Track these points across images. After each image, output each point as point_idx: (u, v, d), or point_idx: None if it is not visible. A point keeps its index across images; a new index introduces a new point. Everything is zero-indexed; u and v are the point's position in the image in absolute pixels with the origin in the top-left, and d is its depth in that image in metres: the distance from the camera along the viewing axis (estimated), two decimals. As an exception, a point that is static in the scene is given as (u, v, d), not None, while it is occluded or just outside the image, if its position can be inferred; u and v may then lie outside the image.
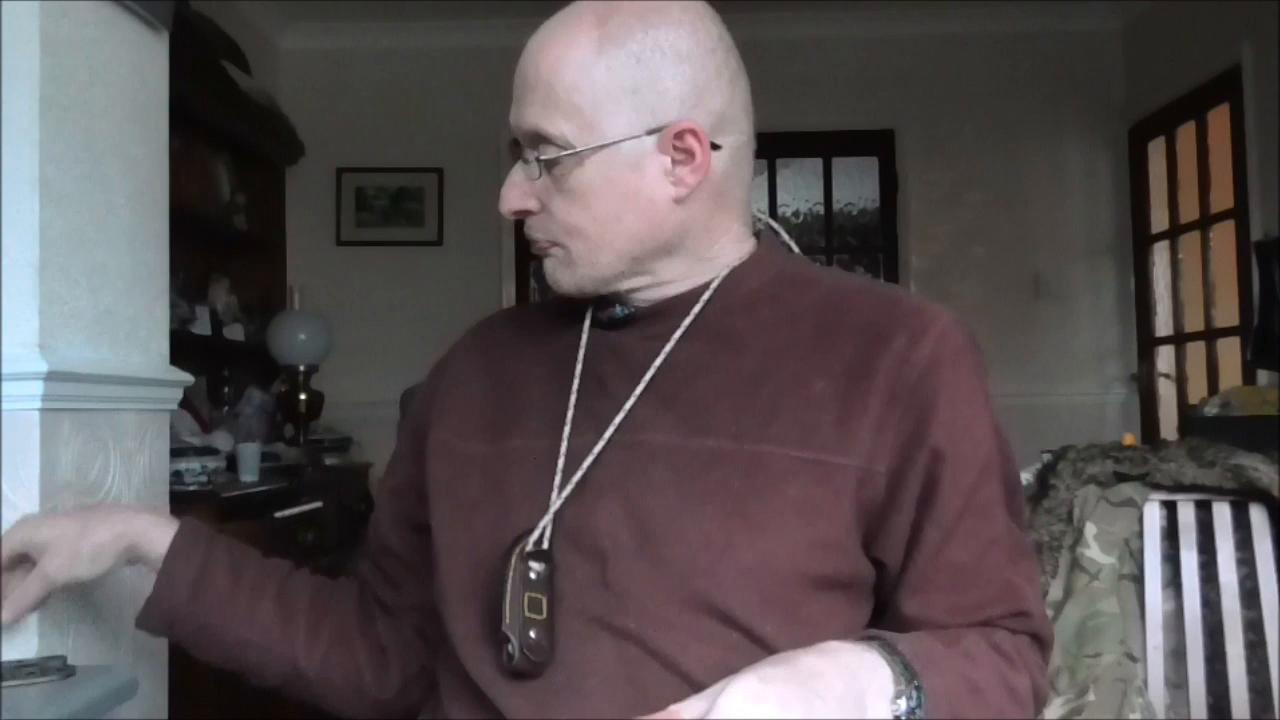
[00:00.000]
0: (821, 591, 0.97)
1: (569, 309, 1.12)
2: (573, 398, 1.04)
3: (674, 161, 0.99)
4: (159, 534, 1.17)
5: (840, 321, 1.01)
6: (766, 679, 0.82)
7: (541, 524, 0.98)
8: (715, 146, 1.00)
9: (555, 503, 0.99)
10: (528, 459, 1.04)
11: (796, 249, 1.14)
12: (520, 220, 1.05)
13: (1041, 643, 1.03)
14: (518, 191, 1.03)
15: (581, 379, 1.06)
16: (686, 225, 1.03)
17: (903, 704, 0.87)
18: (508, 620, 0.94)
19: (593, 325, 1.09)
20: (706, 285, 1.05)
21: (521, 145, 1.02)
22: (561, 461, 1.01)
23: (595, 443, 1.00)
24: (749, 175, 1.07)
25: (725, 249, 1.06)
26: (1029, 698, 0.98)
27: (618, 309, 1.07)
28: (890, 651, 0.90)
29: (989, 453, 1.00)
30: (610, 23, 0.98)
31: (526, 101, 1.00)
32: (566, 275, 1.04)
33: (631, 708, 0.91)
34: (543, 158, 1.00)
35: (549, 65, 0.98)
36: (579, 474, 0.99)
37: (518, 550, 0.97)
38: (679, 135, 0.98)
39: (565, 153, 0.98)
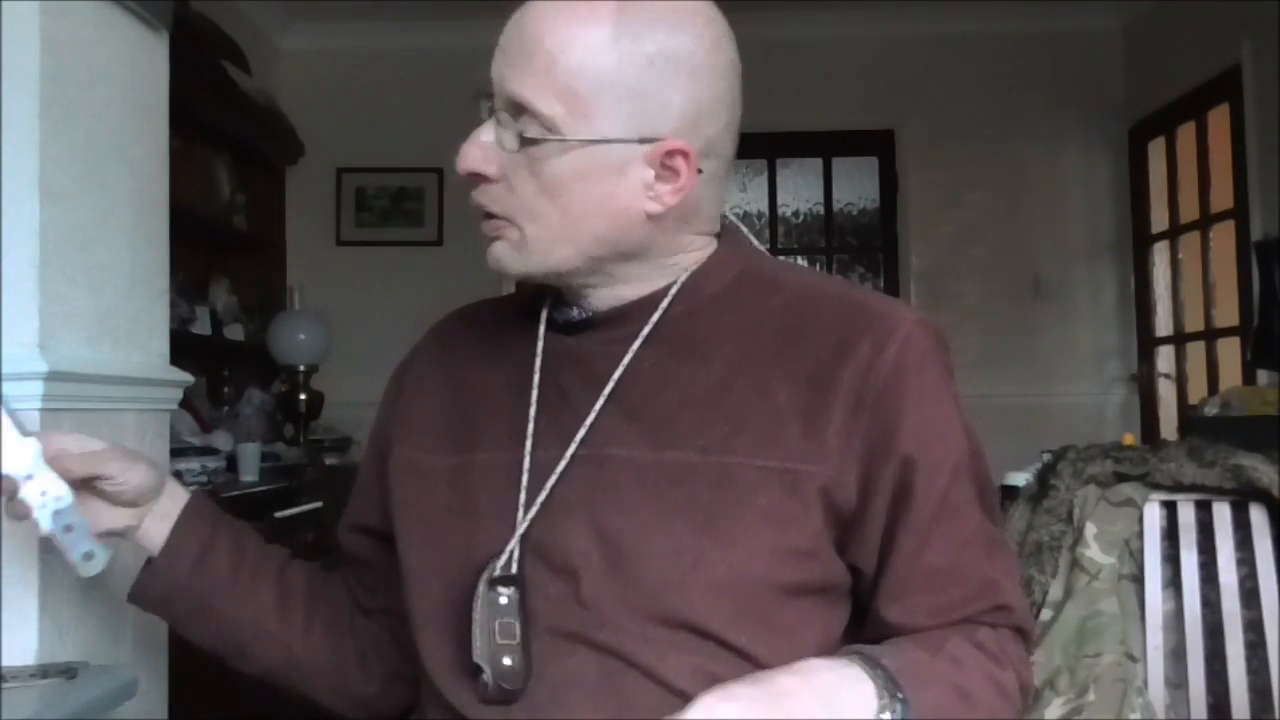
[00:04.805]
0: (797, 598, 0.96)
1: (525, 307, 1.08)
2: (532, 409, 1.01)
3: (656, 177, 0.95)
4: (168, 501, 1.15)
5: (805, 328, 0.98)
6: (732, 696, 0.82)
7: (509, 548, 0.96)
8: (698, 171, 0.96)
9: (521, 525, 0.96)
10: (494, 473, 1.01)
11: (758, 244, 1.11)
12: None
13: (1024, 634, 1.02)
14: (481, 153, 0.96)
15: (541, 388, 1.01)
16: (652, 238, 0.99)
17: (887, 717, 0.87)
18: (478, 650, 0.93)
19: (549, 328, 1.05)
20: (666, 289, 1.01)
21: (496, 105, 0.95)
22: (525, 479, 0.98)
23: (560, 457, 0.98)
24: (723, 194, 1.04)
25: (686, 255, 1.02)
26: (1017, 694, 0.97)
27: (575, 311, 1.03)
28: (873, 666, 0.89)
29: (960, 453, 0.98)
30: (631, 14, 0.92)
31: (519, 67, 0.92)
32: (515, 260, 0.98)
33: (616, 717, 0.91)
34: (525, 134, 0.93)
35: (556, 37, 0.91)
36: (544, 493, 0.96)
37: (485, 577, 0.95)
38: (669, 154, 0.94)
39: (551, 137, 0.92)
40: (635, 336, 1.00)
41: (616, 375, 0.98)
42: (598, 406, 0.98)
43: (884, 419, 0.95)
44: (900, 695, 0.87)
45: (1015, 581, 1.03)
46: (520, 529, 0.96)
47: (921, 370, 0.97)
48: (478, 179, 0.97)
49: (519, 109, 0.93)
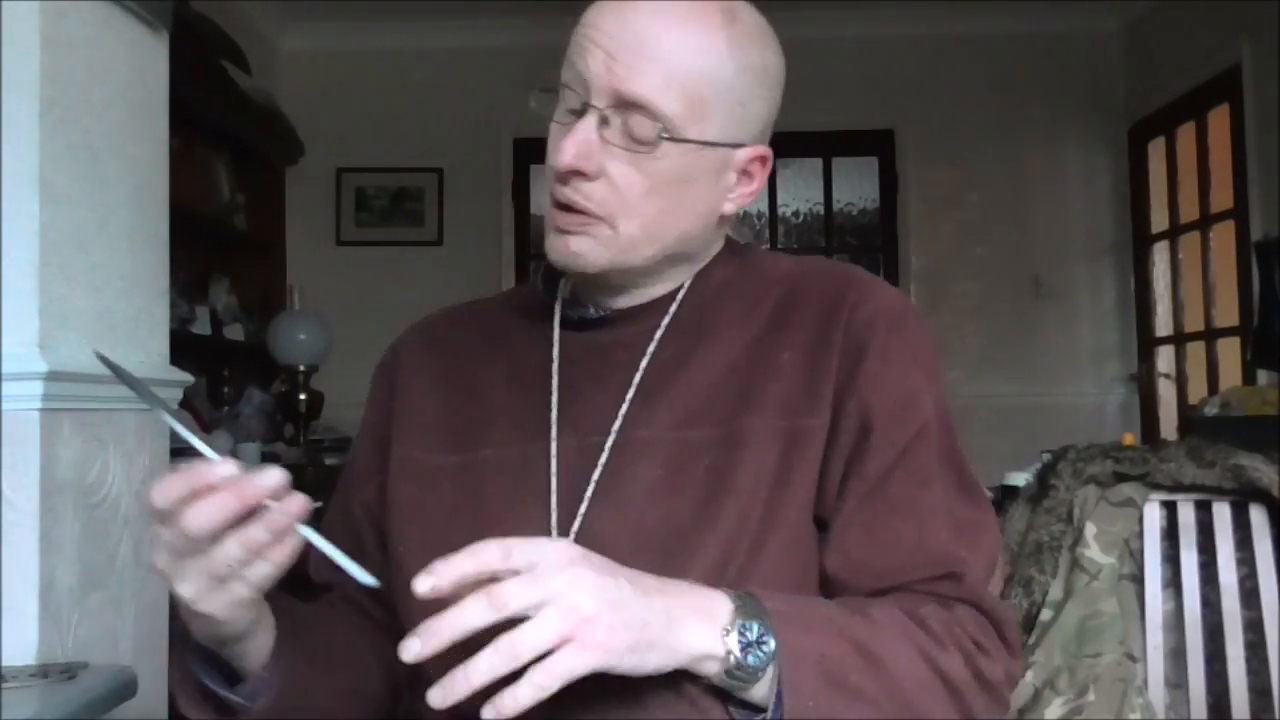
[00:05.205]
0: (807, 549, 0.96)
1: (525, 307, 1.09)
2: (554, 411, 1.01)
3: (736, 180, 1.00)
4: None
5: (799, 301, 1.02)
6: (585, 551, 0.82)
7: (571, 538, 0.95)
8: None
9: (578, 518, 0.96)
10: (503, 470, 1.00)
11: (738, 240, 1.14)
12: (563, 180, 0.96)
13: (992, 620, 0.95)
14: (583, 149, 0.94)
15: (555, 383, 1.03)
16: (711, 237, 1.04)
17: (734, 639, 0.83)
18: None
19: (561, 326, 1.06)
20: (679, 285, 1.05)
21: (593, 101, 0.94)
22: (555, 478, 0.98)
23: (578, 448, 0.99)
24: None
25: (710, 253, 1.07)
26: (965, 679, 0.91)
27: (591, 310, 1.04)
28: (742, 594, 0.86)
29: (925, 420, 0.98)
30: (737, 27, 0.97)
31: (637, 68, 0.93)
32: (599, 256, 0.97)
33: (630, 700, 0.88)
34: (637, 132, 0.94)
35: (681, 42, 0.93)
36: (591, 487, 0.97)
37: None
38: (751, 159, 1.00)
39: (676, 137, 0.94)
40: (654, 329, 1.03)
41: (643, 366, 1.01)
42: (629, 397, 0.99)
43: (851, 362, 0.98)
44: (764, 622, 0.84)
45: (981, 563, 0.98)
46: (577, 522, 0.96)
47: (893, 330, 0.99)
48: (574, 174, 0.95)
49: (633, 107, 0.94)
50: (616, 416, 0.99)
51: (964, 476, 1.00)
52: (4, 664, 1.21)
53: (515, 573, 0.79)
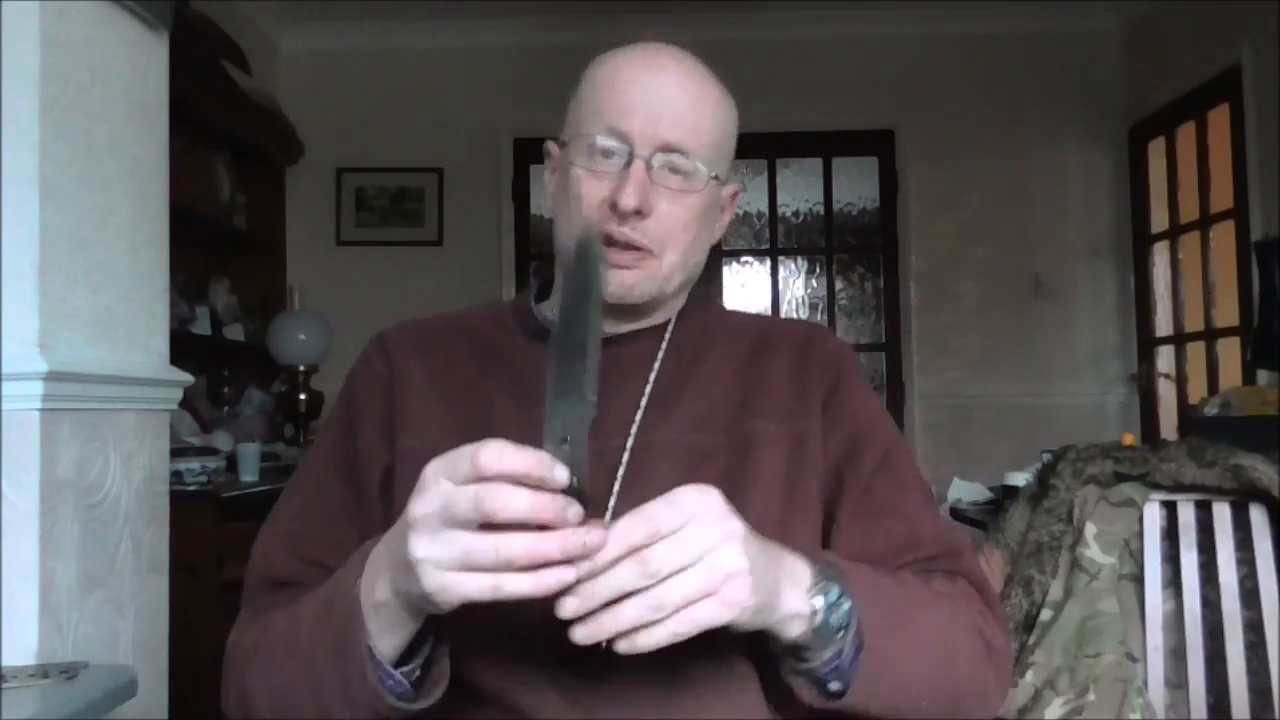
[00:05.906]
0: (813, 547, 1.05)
1: (511, 325, 1.16)
2: None
3: (721, 211, 1.17)
4: None
5: (774, 338, 1.17)
6: (722, 496, 0.84)
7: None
8: None
9: (609, 511, 1.00)
10: None
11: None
12: (625, 215, 1.07)
13: (989, 600, 1.07)
14: (640, 190, 1.07)
15: None
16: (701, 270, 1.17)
17: (820, 600, 0.90)
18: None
19: None
20: (669, 318, 1.17)
21: (639, 152, 1.07)
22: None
23: (593, 449, 1.01)
24: None
25: None
26: (977, 633, 1.02)
27: None
28: (810, 558, 0.93)
29: (896, 435, 1.14)
30: (721, 84, 1.14)
31: (679, 122, 1.08)
32: (648, 288, 1.10)
33: (668, 681, 0.95)
34: (711, 175, 1.09)
35: (703, 97, 1.10)
36: (617, 484, 1.03)
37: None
38: (731, 194, 1.18)
39: (710, 175, 1.10)
40: (655, 349, 1.13)
41: (652, 378, 1.11)
42: (643, 405, 1.09)
43: (832, 382, 1.13)
44: (839, 580, 0.92)
45: (969, 548, 1.10)
46: (607, 517, 0.98)
47: (854, 365, 1.17)
48: (632, 215, 1.07)
49: (673, 153, 1.08)
50: (633, 421, 1.07)
51: (929, 493, 1.14)
52: (4, 664, 1.21)
53: None
